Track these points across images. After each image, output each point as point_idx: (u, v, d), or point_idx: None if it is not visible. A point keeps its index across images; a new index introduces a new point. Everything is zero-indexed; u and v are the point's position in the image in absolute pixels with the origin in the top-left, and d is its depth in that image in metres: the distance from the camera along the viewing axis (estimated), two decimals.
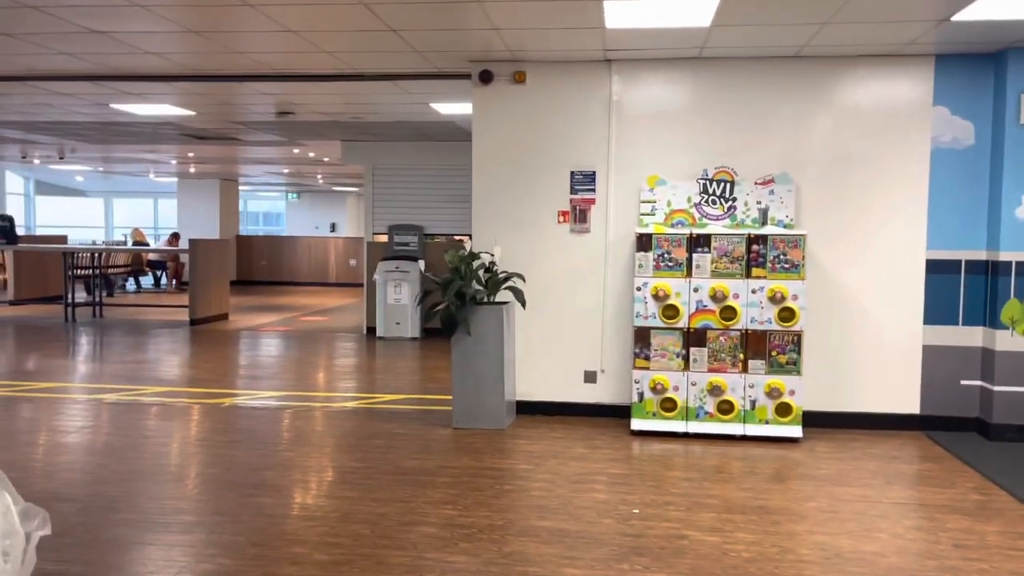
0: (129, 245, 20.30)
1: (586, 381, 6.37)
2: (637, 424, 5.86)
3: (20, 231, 26.03)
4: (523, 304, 6.03)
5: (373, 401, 6.96)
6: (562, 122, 6.31)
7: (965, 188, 5.91)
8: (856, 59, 5.96)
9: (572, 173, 6.31)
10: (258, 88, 7.65)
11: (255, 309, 14.75)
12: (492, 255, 6.14)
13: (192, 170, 18.07)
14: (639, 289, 5.83)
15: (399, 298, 11.00)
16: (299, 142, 12.21)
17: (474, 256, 6.07)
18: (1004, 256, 5.72)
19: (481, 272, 6.08)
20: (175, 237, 18.65)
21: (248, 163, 16.50)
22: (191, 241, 12.47)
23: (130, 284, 19.29)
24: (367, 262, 11.57)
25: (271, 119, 9.70)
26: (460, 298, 5.90)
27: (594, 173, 6.29)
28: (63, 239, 17.07)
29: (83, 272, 13.88)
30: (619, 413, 6.26)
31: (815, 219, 6.03)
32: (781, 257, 5.67)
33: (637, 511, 4.24)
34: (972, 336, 5.95)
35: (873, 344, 6.04)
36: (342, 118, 9.55)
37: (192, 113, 9.23)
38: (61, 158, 14.93)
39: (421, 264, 11.06)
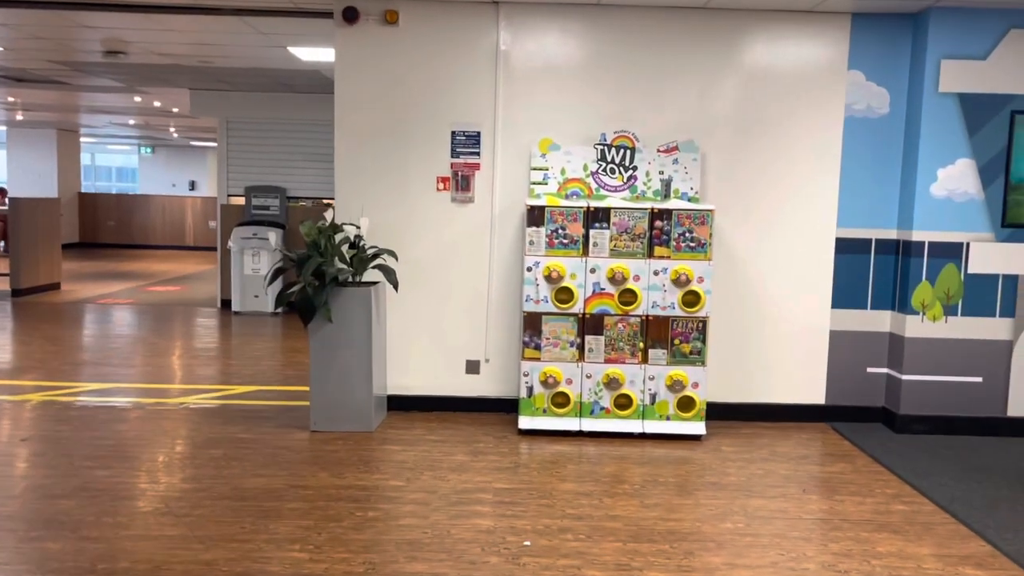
0: None
1: (468, 372, 5.60)
2: (525, 422, 5.15)
3: None
4: (395, 286, 5.17)
5: (218, 395, 5.94)
6: (442, 72, 5.42)
7: (878, 161, 5.46)
8: (768, 14, 5.36)
9: (453, 133, 5.46)
10: (72, 19, 6.34)
11: (96, 277, 13.13)
12: (358, 227, 5.22)
13: (20, 117, 15.91)
14: (529, 269, 5.08)
15: (257, 268, 9.85)
16: (140, 89, 10.70)
17: (336, 228, 5.14)
18: (916, 236, 5.32)
19: (345, 248, 5.17)
20: (1, 192, 16.48)
21: (87, 112, 14.62)
22: (11, 200, 10.79)
23: None
24: (220, 227, 10.32)
25: (100, 60, 8.28)
26: (319, 278, 4.97)
27: (478, 134, 5.46)
28: None
29: None
30: (505, 408, 5.54)
31: (722, 192, 5.45)
32: (687, 235, 5.05)
33: (528, 543, 3.52)
34: (880, 321, 5.56)
35: (779, 330, 5.55)
36: (187, 62, 8.26)
37: None
38: None
39: (276, 235, 9.92)
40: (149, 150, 26.18)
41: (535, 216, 5.07)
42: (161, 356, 7.40)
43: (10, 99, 12.38)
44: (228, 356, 7.61)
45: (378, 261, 5.21)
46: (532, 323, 5.11)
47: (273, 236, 9.80)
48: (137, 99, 11.57)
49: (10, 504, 3.77)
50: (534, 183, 5.36)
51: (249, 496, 3.96)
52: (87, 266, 14.70)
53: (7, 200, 11.11)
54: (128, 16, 6.13)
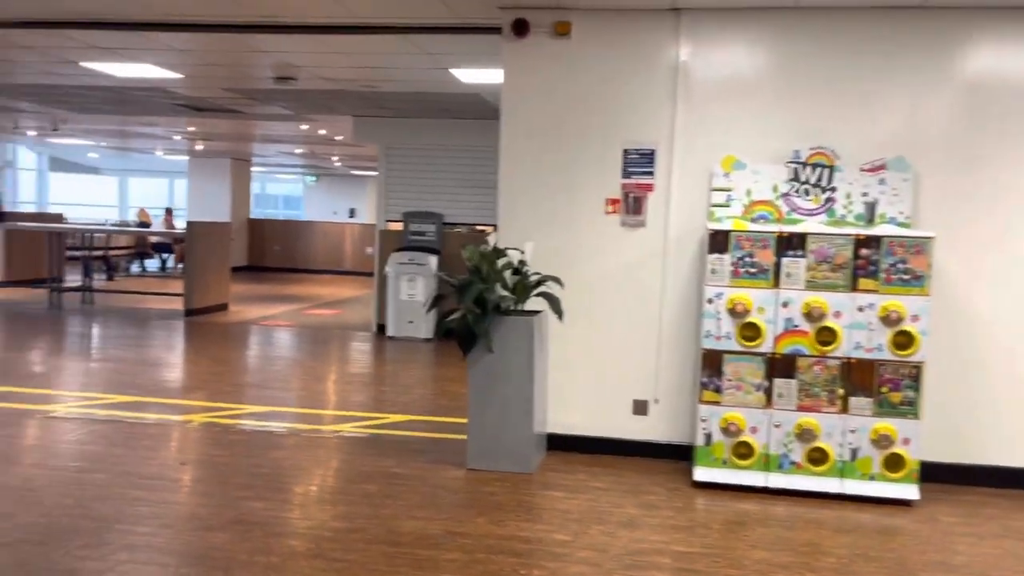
0: (136, 225, 19.27)
1: (635, 413, 5.10)
2: (702, 474, 4.58)
3: (30, 207, 25.22)
4: (559, 315, 4.77)
5: (372, 423, 5.74)
6: (614, 86, 5.02)
7: None
8: (998, 11, 4.61)
9: (625, 152, 5.03)
10: (245, 42, 6.43)
11: (259, 299, 13.60)
12: (522, 252, 4.87)
13: (199, 147, 16.95)
14: (710, 301, 4.54)
15: (413, 294, 9.77)
16: (307, 117, 10.99)
17: (499, 253, 4.81)
18: None
19: (508, 274, 4.83)
20: (168, 213, 17.56)
21: (258, 141, 15.34)
22: (188, 224, 11.32)
23: (135, 267, 18.25)
24: (379, 252, 10.36)
25: (271, 87, 8.48)
26: (481, 305, 4.65)
27: (653, 152, 5.00)
28: (59, 217, 16.02)
29: (79, 253, 12.80)
30: (677, 455, 4.99)
31: (938, 218, 4.70)
32: (899, 266, 4.36)
33: None
34: None
35: (1010, 380, 4.71)
36: (352, 87, 8.31)
37: (179, 76, 8.03)
38: (55, 129, 13.83)
39: (433, 261, 9.80)
40: (313, 179, 27.43)
41: (718, 242, 4.54)
42: (318, 380, 7.35)
43: (191, 129, 13.11)
44: (382, 383, 7.48)
45: (542, 288, 4.83)
46: (712, 362, 4.56)
47: (430, 261, 9.70)
48: (304, 127, 11.92)
49: (163, 534, 3.62)
50: (715, 205, 4.83)
51: (404, 542, 3.63)
52: (251, 288, 15.31)
53: (171, 218, 11.66)
54: (297, 38, 6.13)
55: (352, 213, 27.15)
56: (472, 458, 4.76)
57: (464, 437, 4.89)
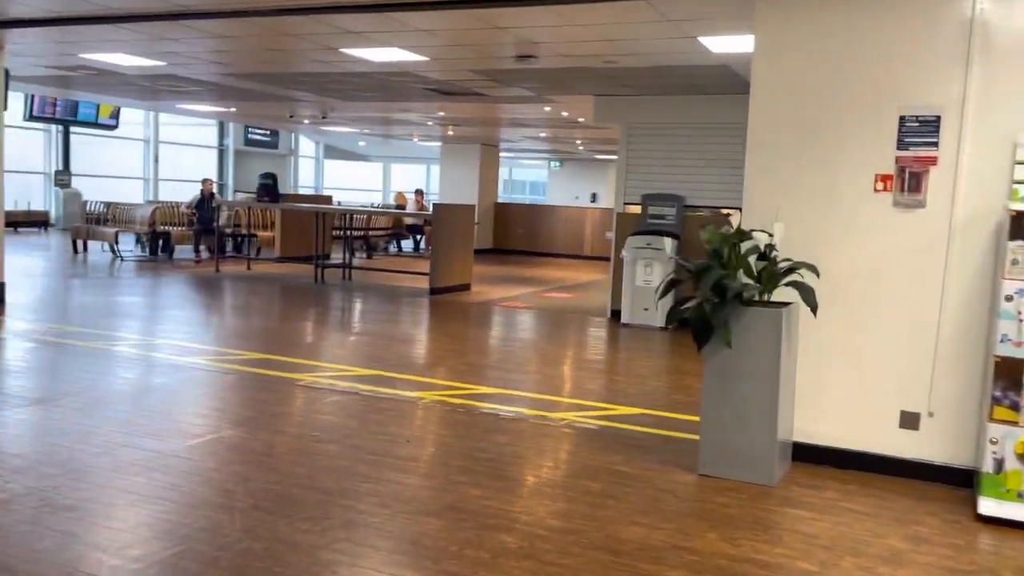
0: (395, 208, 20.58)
1: (903, 426, 4.36)
2: (989, 506, 3.79)
3: (308, 191, 27.94)
4: (813, 309, 4.16)
5: (601, 414, 5.45)
6: (888, 42, 4.28)
7: None
8: None
9: (902, 119, 4.28)
10: (488, 19, 6.36)
11: (500, 280, 13.88)
12: (770, 235, 4.32)
13: (451, 133, 17.64)
14: (1009, 299, 3.72)
15: (649, 280, 9.36)
16: (549, 98, 10.91)
17: (743, 235, 4.30)
18: None
19: (752, 259, 4.30)
20: (419, 194, 18.42)
21: (504, 126, 15.64)
22: (435, 206, 11.75)
23: (392, 247, 19.51)
24: (616, 236, 10.05)
25: (512, 67, 8.45)
26: (719, 293, 4.18)
27: (937, 119, 4.21)
28: (327, 199, 17.44)
29: (342, 233, 13.83)
30: (955, 479, 4.20)
31: None
32: None
33: None
34: None
35: None
36: (592, 63, 8.04)
37: (425, 59, 8.23)
38: (324, 117, 15.01)
39: (671, 245, 9.29)
40: (558, 164, 27.74)
41: (1023, 226, 3.70)
42: (550, 365, 7.22)
43: (440, 113, 13.60)
44: (614, 371, 7.18)
45: (792, 277, 4.25)
46: (1008, 372, 3.74)
47: (668, 245, 9.24)
48: (546, 109, 11.89)
49: (380, 515, 3.57)
50: (1019, 182, 3.95)
51: (624, 551, 3.30)
52: (493, 270, 15.70)
53: (428, 204, 12.14)
54: (539, 11, 5.95)
55: (594, 198, 27.13)
56: (705, 462, 4.32)
57: (697, 437, 4.46)
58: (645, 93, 9.71)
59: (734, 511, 3.80)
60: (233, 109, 15.05)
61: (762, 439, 4.19)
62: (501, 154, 22.02)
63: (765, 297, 4.29)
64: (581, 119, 13.06)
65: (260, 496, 3.69)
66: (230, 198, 21.50)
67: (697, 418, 5.19)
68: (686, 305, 4.28)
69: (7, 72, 8.68)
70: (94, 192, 20.78)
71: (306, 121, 16.85)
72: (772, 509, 3.86)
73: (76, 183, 21.16)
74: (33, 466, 3.95)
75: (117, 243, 14.30)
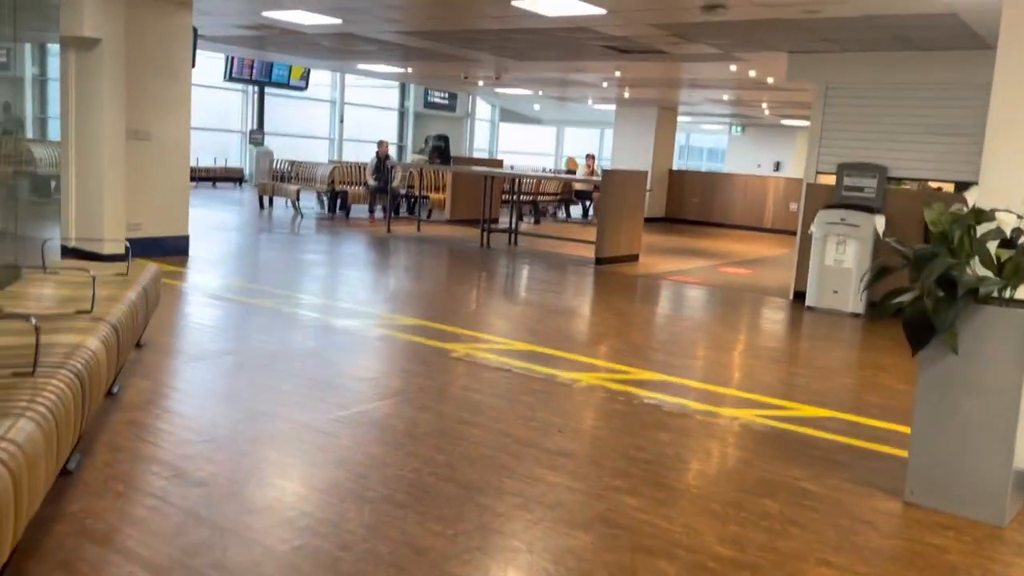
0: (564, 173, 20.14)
1: None
2: None
3: (482, 155, 28.07)
4: None
5: (779, 413, 4.77)
6: None
7: None
8: None
9: None
10: None
11: (671, 252, 13.13)
12: (1020, 217, 3.46)
13: (627, 95, 16.87)
14: None
15: (841, 260, 8.36)
16: (737, 55, 9.98)
17: (981, 216, 3.46)
18: None
19: (993, 247, 3.46)
20: (590, 159, 17.78)
21: (685, 87, 14.71)
22: (604, 172, 11.17)
23: (561, 212, 19.12)
24: (804, 209, 9.07)
25: (698, 19, 7.67)
26: (946, 287, 3.39)
27: None
28: (498, 163, 17.26)
29: (510, 197, 13.58)
30: None
31: None
32: None
33: None
34: None
35: None
36: (790, 14, 7.13)
37: (603, 11, 7.62)
38: (498, 78, 14.72)
39: (879, 221, 8.22)
40: (739, 129, 26.18)
41: None
42: (722, 350, 6.54)
43: (616, 73, 12.92)
44: (795, 362, 6.39)
45: None
46: None
47: (866, 222, 8.19)
48: (732, 68, 10.93)
49: (520, 520, 3.15)
50: None
51: None
52: (664, 240, 14.92)
53: (598, 169, 11.53)
54: None
55: (777, 166, 25.44)
56: (914, 489, 3.57)
57: (901, 453, 3.72)
58: (848, 49, 8.60)
59: (954, 558, 3.07)
60: (409, 70, 15.09)
61: (993, 468, 3.39)
62: (680, 118, 20.96)
63: (1007, 294, 3.45)
64: (770, 80, 11.95)
65: (394, 485, 3.37)
66: (407, 160, 21.90)
67: (899, 427, 4.42)
68: (901, 298, 3.52)
69: (195, 31, 8.94)
70: (284, 150, 21.86)
71: (481, 82, 16.67)
72: (1006, 559, 3.09)
73: (268, 141, 22.28)
74: (174, 430, 3.86)
75: (298, 200, 14.81)
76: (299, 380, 4.80)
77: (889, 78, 8.55)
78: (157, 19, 8.37)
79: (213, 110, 22.66)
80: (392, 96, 26.70)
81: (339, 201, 15.33)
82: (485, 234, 12.13)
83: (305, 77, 22.46)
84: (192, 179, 20.58)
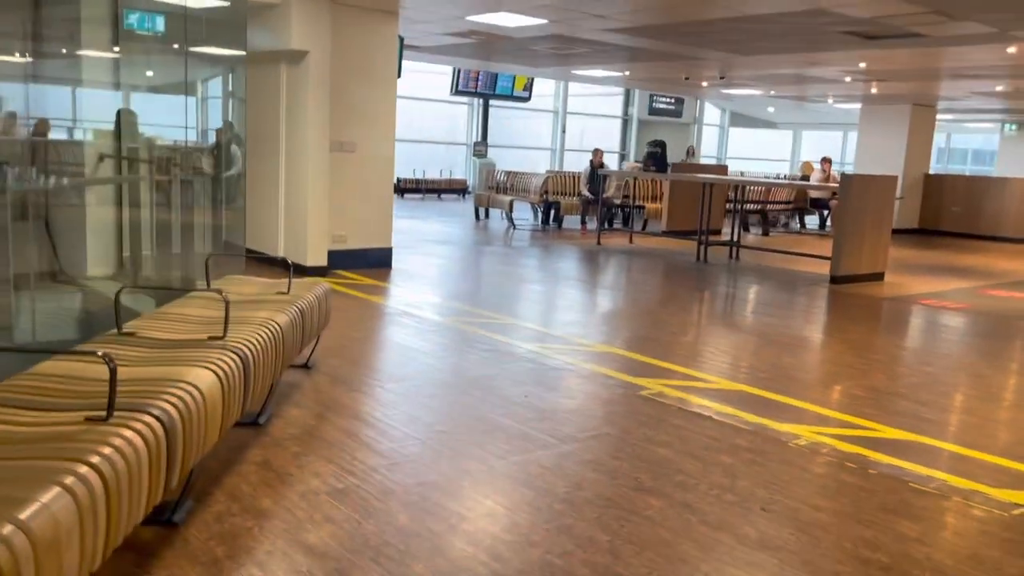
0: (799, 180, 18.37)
1: None
2: None
3: (710, 161, 26.63)
4: None
5: None
6: None
7: None
8: None
9: None
10: None
11: (925, 269, 11.29)
12: None
13: (874, 91, 14.95)
14: None
15: None
16: (1016, 35, 8.21)
17: None
18: None
19: None
20: (825, 163, 15.93)
21: (946, 78, 12.68)
22: (842, 177, 9.74)
23: (795, 223, 17.42)
24: None
25: None
26: None
27: None
28: (723, 169, 16.01)
29: (736, 206, 12.41)
30: None
31: None
32: None
33: None
34: None
35: None
36: None
37: None
38: (722, 77, 13.57)
39: None
40: (1013, 127, 22.66)
41: None
42: (990, 401, 5.15)
43: (861, 65, 11.32)
44: None
45: None
46: None
47: None
48: (1011, 50, 9.08)
49: None
50: None
51: None
52: (919, 256, 12.96)
53: (834, 173, 10.06)
54: None
55: None
56: None
57: None
58: None
59: None
60: (627, 73, 14.34)
61: None
62: (939, 117, 18.40)
63: None
64: None
65: (536, 574, 2.66)
66: (623, 168, 21.16)
67: None
68: None
69: (401, 40, 8.82)
70: (507, 162, 22.00)
71: (704, 84, 15.55)
72: None
73: (492, 153, 22.54)
74: (301, 473, 3.41)
75: (511, 211, 14.58)
76: (461, 417, 4.23)
77: None
78: (363, 29, 8.31)
79: (440, 123, 23.36)
80: (616, 104, 26.12)
81: (552, 212, 14.92)
82: (702, 247, 11.09)
83: (528, 88, 22.46)
84: (419, 191, 21.47)
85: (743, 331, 6.99)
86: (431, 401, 4.53)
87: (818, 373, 5.71)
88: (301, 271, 7.18)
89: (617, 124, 26.30)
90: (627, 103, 25.96)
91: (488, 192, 15.53)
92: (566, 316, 7.30)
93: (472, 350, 5.65)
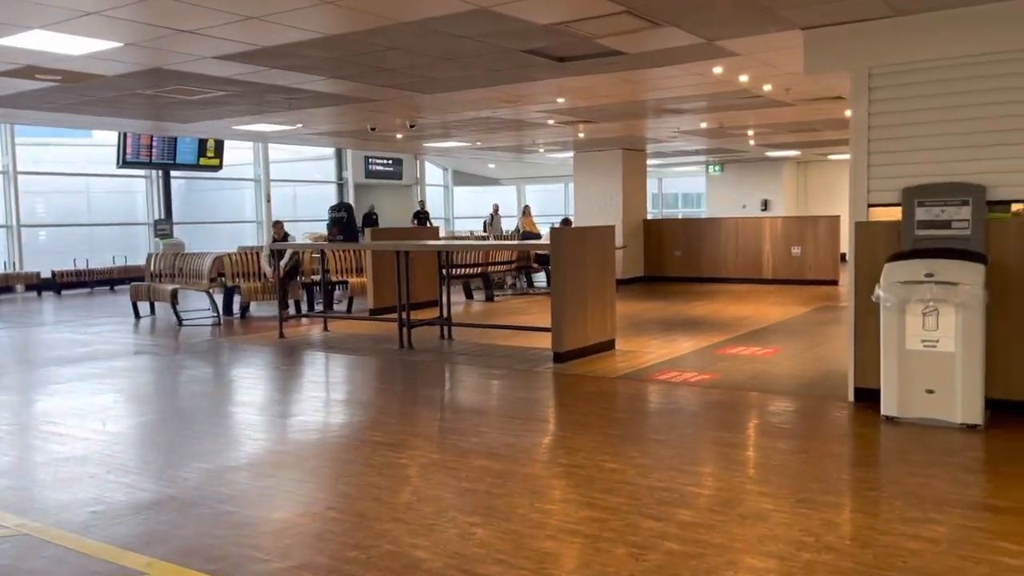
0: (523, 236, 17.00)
1: None
2: None
3: (437, 223, 24.92)
4: None
5: None
6: None
7: None
8: None
9: None
10: None
11: (656, 326, 9.92)
12: None
13: (582, 135, 13.86)
14: None
15: (933, 341, 5.16)
16: (723, 45, 6.91)
17: None
18: None
19: None
20: (526, 213, 14.66)
21: (651, 116, 11.68)
22: (552, 232, 7.99)
23: (521, 282, 15.88)
24: (854, 260, 5.90)
25: None
26: None
27: None
28: (433, 231, 14.09)
29: (456, 272, 10.37)
30: None
31: None
32: None
33: None
34: None
35: None
36: None
37: None
38: (412, 126, 11.65)
39: (976, 274, 5.07)
40: (718, 168, 23.35)
41: None
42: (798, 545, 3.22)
43: (560, 100, 9.82)
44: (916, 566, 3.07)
45: None
46: None
47: (970, 276, 5.02)
48: (717, 70, 7.86)
49: None
50: None
51: None
52: (649, 309, 11.74)
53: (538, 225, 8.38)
54: None
55: (765, 205, 22.57)
56: None
57: None
58: (904, 11, 5.55)
59: None
60: (299, 125, 11.94)
61: None
62: (648, 161, 18.03)
63: None
64: (767, 87, 8.91)
65: None
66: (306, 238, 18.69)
67: None
68: None
69: None
70: (205, 241, 18.71)
71: (399, 136, 13.60)
72: None
73: (181, 232, 19.16)
74: None
75: (175, 303, 11.44)
76: None
77: (974, 50, 5.48)
78: None
79: (113, 201, 19.60)
80: (329, 168, 23.85)
81: (235, 299, 12.04)
82: (404, 330, 8.86)
83: (219, 154, 19.41)
84: (85, 284, 17.34)
85: (419, 460, 4.69)
86: None
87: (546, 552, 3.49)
88: None
89: (333, 189, 23.97)
90: (340, 166, 23.75)
91: (148, 282, 12.32)
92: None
93: None
